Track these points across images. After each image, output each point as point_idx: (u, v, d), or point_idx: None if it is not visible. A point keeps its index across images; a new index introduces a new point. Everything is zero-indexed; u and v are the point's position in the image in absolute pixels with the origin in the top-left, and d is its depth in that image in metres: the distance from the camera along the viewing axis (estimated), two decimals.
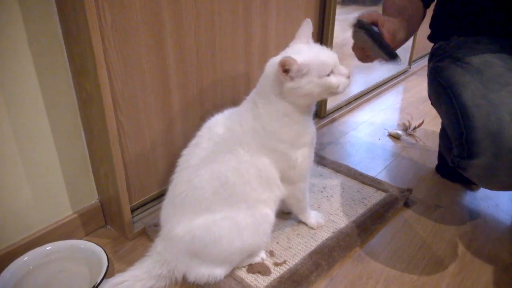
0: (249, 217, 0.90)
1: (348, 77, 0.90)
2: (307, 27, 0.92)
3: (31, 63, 0.90)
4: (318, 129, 1.74)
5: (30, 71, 0.90)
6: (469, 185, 1.36)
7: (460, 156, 0.95)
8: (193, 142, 0.95)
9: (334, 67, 0.88)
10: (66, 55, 0.95)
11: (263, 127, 0.91)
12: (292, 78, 0.85)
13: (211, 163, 0.89)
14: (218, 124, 0.95)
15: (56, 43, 0.93)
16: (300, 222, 1.13)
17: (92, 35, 0.86)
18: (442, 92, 1.03)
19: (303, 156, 0.96)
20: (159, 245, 0.94)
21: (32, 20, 0.87)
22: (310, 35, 0.92)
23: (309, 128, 0.96)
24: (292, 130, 0.92)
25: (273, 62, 0.89)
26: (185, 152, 0.95)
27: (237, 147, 0.91)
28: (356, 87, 2.12)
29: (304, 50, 0.88)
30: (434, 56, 1.17)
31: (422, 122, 1.76)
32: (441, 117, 1.10)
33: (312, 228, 1.12)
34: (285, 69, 0.83)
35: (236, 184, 0.89)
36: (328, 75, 0.87)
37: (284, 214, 1.15)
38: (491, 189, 0.99)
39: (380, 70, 2.34)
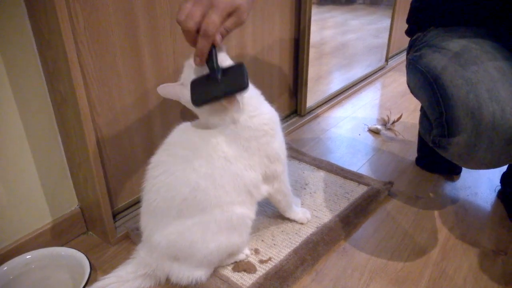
0: (224, 220, 0.88)
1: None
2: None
3: (2, 67, 0.88)
4: (299, 127, 1.75)
5: (1, 76, 0.88)
6: (449, 175, 1.38)
7: (440, 135, 0.97)
8: (162, 147, 0.91)
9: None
10: (39, 59, 0.93)
11: (229, 133, 0.89)
12: None
13: (181, 170, 0.86)
14: (189, 130, 0.92)
15: (28, 46, 0.91)
16: (284, 219, 1.13)
17: (64, 38, 0.85)
18: (421, 77, 1.06)
19: (279, 142, 0.97)
20: (141, 249, 0.93)
21: (2, 24, 0.86)
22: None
23: (266, 110, 0.94)
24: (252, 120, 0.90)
25: None
26: (154, 158, 0.91)
27: (210, 152, 0.88)
28: (335, 85, 2.14)
29: None
30: (412, 48, 1.20)
31: (401, 116, 1.78)
32: (421, 101, 1.12)
33: (301, 223, 1.12)
34: None
35: (208, 189, 0.86)
36: None
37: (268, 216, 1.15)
38: (471, 167, 1.00)
39: (358, 67, 2.37)
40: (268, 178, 0.97)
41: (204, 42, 0.77)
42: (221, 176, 0.87)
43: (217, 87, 0.80)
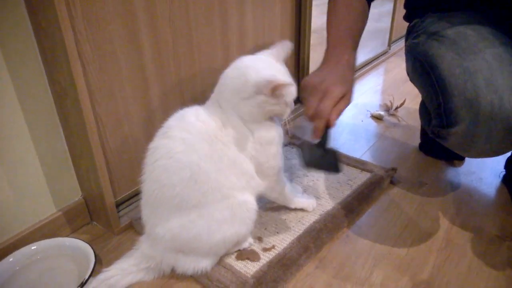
0: (226, 208, 0.88)
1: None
2: (285, 48, 0.93)
3: (1, 59, 0.87)
4: (300, 114, 1.73)
5: (1, 68, 0.88)
6: (452, 161, 1.37)
7: (439, 125, 0.96)
8: (160, 132, 0.90)
9: (293, 99, 0.93)
10: (38, 49, 0.92)
11: (233, 128, 0.90)
12: (270, 95, 0.86)
13: (181, 152, 0.85)
14: (189, 115, 0.90)
15: (26, 36, 0.90)
16: (287, 207, 1.13)
17: (62, 27, 0.84)
18: (419, 66, 1.04)
19: (272, 153, 0.95)
20: (144, 242, 0.93)
21: None
22: (283, 58, 0.93)
23: (273, 129, 0.95)
24: (258, 132, 0.92)
25: (248, 67, 0.88)
26: (152, 145, 0.89)
27: (211, 136, 0.87)
28: None
29: (283, 72, 0.91)
30: (410, 34, 1.18)
31: (404, 101, 1.77)
32: (419, 90, 1.11)
33: (307, 210, 1.12)
34: (274, 91, 0.84)
35: (209, 171, 0.85)
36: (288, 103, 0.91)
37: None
38: (471, 156, 1.00)
39: (360, 53, 2.35)
40: (260, 173, 0.96)
41: (318, 122, 0.87)
42: (221, 159, 0.87)
43: (320, 160, 0.93)
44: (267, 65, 0.90)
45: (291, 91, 0.90)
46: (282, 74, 0.90)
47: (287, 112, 0.93)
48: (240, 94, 0.87)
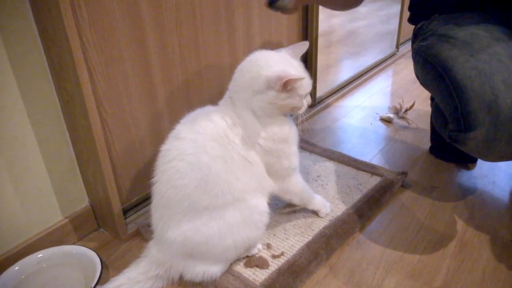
0: (237, 211, 0.87)
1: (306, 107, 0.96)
2: (303, 46, 0.94)
3: (8, 66, 0.87)
4: (309, 118, 1.72)
5: (8, 75, 0.88)
6: (464, 164, 1.35)
7: (456, 130, 0.93)
8: (172, 134, 0.90)
9: (307, 93, 0.92)
10: (45, 57, 0.92)
11: (245, 125, 0.90)
12: (281, 90, 0.87)
13: (192, 154, 0.85)
14: (200, 116, 0.91)
15: (33, 44, 0.90)
16: (296, 212, 1.12)
17: (68, 34, 0.84)
18: (431, 69, 1.02)
19: (285, 152, 0.95)
20: (153, 247, 0.92)
21: (6, 21, 0.85)
22: (300, 54, 0.94)
23: (286, 125, 0.95)
24: (271, 128, 0.92)
25: (262, 60, 0.89)
26: (164, 147, 0.89)
27: (222, 136, 0.87)
28: (346, 73, 2.11)
29: (296, 66, 0.91)
30: (417, 37, 1.17)
31: (413, 104, 1.74)
32: (433, 94, 1.09)
33: (319, 216, 1.10)
34: (285, 86, 0.85)
35: (220, 172, 0.85)
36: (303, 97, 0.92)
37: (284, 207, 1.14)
38: (491, 160, 0.97)
39: (368, 55, 2.33)
40: (271, 174, 0.95)
41: None
42: (232, 159, 0.87)
43: None
44: (281, 60, 0.90)
45: (304, 84, 0.89)
46: (295, 69, 0.90)
47: (303, 106, 0.92)
48: (253, 87, 0.88)
